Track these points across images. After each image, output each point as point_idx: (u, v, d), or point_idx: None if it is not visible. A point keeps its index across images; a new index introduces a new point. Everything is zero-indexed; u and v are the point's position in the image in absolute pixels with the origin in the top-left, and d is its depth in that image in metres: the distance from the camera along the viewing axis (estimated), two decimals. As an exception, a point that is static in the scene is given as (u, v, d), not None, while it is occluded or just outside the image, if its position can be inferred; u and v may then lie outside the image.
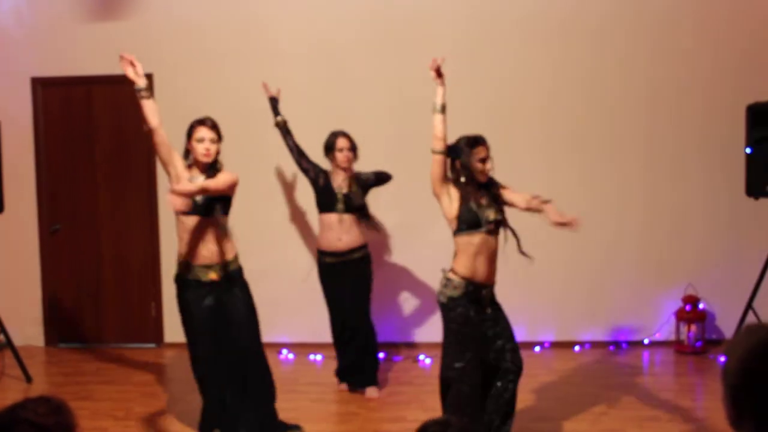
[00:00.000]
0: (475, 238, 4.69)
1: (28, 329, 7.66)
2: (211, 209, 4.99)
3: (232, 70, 7.43)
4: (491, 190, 4.81)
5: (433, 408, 5.60)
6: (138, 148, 7.51)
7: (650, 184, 7.32)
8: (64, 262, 7.76)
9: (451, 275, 4.72)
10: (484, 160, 4.73)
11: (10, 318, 6.97)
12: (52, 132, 7.69)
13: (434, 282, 7.24)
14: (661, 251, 7.34)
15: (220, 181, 4.94)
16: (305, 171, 6.20)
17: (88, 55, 7.51)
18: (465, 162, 4.72)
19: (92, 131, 7.66)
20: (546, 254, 7.29)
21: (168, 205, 4.95)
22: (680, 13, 7.22)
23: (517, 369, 4.87)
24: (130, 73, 5.01)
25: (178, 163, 5.04)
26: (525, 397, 6.02)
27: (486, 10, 7.30)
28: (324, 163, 6.24)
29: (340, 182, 6.14)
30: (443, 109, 4.78)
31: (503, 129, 7.24)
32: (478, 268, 4.69)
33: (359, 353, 6.25)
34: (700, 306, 7.16)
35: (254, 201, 7.03)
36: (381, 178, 6.31)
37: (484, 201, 4.73)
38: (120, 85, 7.52)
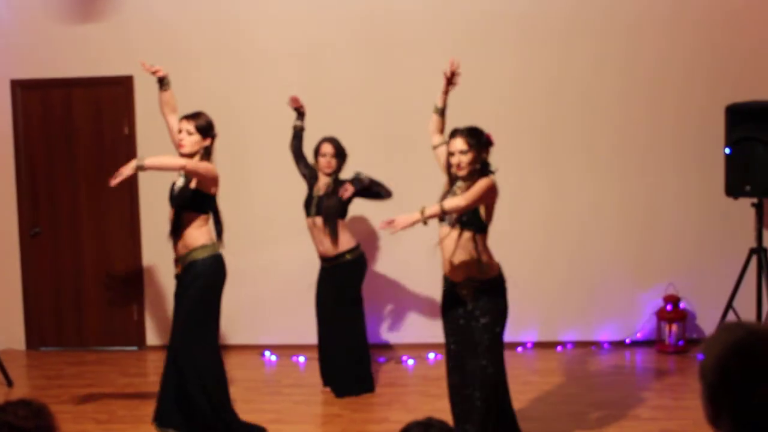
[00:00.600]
0: (442, 231, 4.68)
1: (9, 333, 7.61)
2: (181, 201, 5.12)
3: (212, 70, 7.41)
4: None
5: (415, 409, 5.62)
6: (119, 150, 7.47)
7: (630, 185, 7.35)
8: (45, 265, 7.72)
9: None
10: (453, 154, 4.61)
11: (-9, 322, 6.94)
12: (32, 134, 7.65)
13: (420, 283, 7.31)
14: (641, 251, 7.37)
15: (199, 165, 5.04)
16: (302, 176, 6.29)
17: (67, 56, 7.48)
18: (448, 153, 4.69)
19: (72, 133, 7.63)
20: (527, 255, 7.33)
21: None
22: (658, 13, 7.25)
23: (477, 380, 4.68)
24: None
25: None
26: (507, 397, 6.04)
27: (466, 12, 7.32)
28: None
29: (320, 186, 6.18)
30: (441, 112, 4.81)
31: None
32: (444, 261, 4.68)
33: (346, 360, 6.21)
34: (681, 305, 7.20)
35: (236, 201, 7.01)
36: (373, 187, 6.20)
37: (459, 193, 4.60)
38: (100, 86, 7.56)
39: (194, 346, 5.08)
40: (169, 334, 5.40)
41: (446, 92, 4.84)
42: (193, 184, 5.11)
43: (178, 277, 5.20)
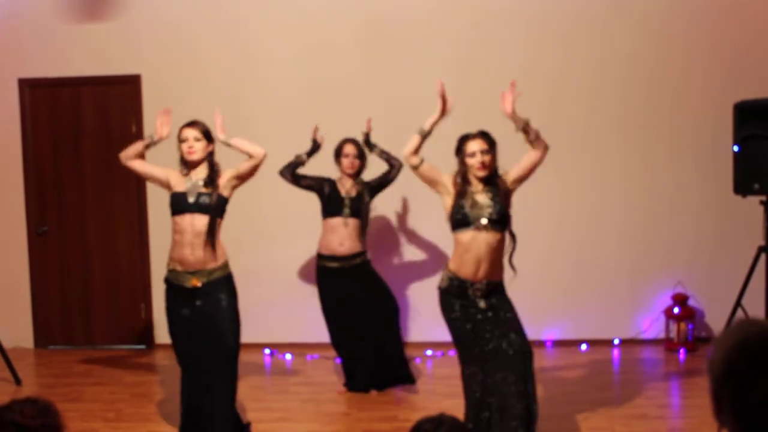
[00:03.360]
0: (465, 236, 4.62)
1: (18, 331, 7.63)
2: (218, 208, 4.94)
3: (218, 70, 7.43)
4: (497, 185, 4.72)
5: (423, 407, 5.62)
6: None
7: (637, 183, 7.34)
8: (52, 263, 7.74)
9: (445, 268, 4.75)
10: (474, 154, 4.63)
11: (-1, 320, 6.96)
12: (39, 133, 7.67)
13: (428, 280, 7.31)
14: (649, 249, 7.36)
15: (248, 144, 4.98)
16: (308, 188, 6.22)
17: (75, 55, 7.49)
18: (460, 159, 4.69)
19: (80, 132, 7.64)
20: (533, 255, 7.32)
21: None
22: (663, 11, 7.23)
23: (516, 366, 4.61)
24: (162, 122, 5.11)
25: (172, 175, 5.03)
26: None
27: (468, 13, 7.32)
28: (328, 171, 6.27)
29: (348, 188, 6.17)
30: (425, 136, 4.68)
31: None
32: (465, 264, 4.61)
33: (377, 354, 6.20)
34: (690, 304, 7.18)
35: (245, 201, 7.00)
36: (384, 177, 6.28)
37: (481, 198, 4.64)
38: (107, 85, 7.57)
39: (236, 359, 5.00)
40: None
41: (438, 119, 4.70)
42: (228, 192, 5.00)
43: (195, 290, 4.91)
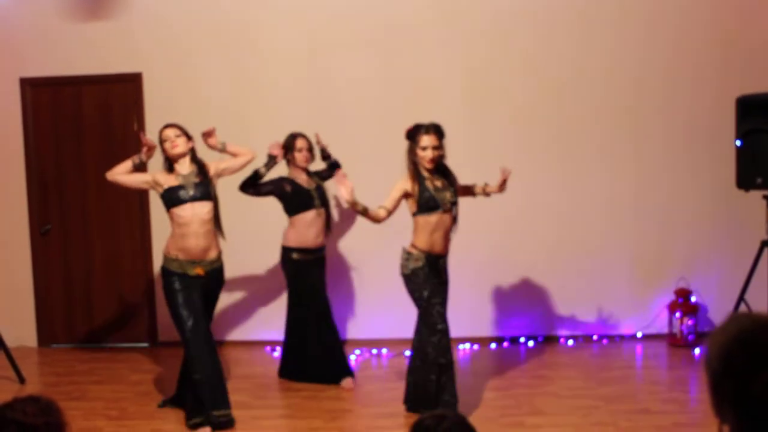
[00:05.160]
0: (432, 218, 5.26)
1: (21, 330, 7.64)
2: (209, 196, 5.48)
3: (219, 68, 7.42)
4: (448, 176, 5.38)
5: (426, 404, 5.60)
6: (128, 148, 7.46)
7: (640, 178, 7.33)
8: (55, 262, 7.74)
9: (411, 250, 5.31)
10: (425, 149, 5.21)
11: (2, 319, 6.96)
12: (41, 132, 7.67)
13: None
14: (653, 245, 7.35)
15: (239, 147, 5.69)
16: (269, 194, 6.27)
17: (76, 54, 7.49)
18: (412, 148, 5.28)
19: (82, 131, 7.65)
20: (540, 249, 7.32)
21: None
22: (669, 5, 7.22)
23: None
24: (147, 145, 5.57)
25: (158, 176, 5.51)
26: (518, 392, 6.04)
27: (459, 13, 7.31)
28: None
29: (306, 181, 6.27)
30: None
31: (483, 125, 7.27)
32: (435, 242, 5.29)
33: (329, 346, 6.36)
34: (693, 299, 7.18)
35: (248, 199, 7.00)
36: (328, 170, 6.50)
37: (439, 184, 5.31)
38: (109, 84, 7.57)
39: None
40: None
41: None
42: (215, 183, 5.61)
43: (198, 278, 5.47)
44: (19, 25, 7.53)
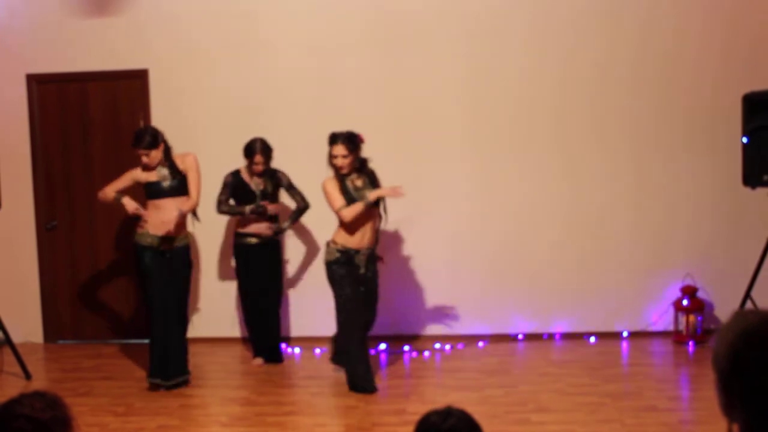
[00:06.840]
0: (360, 214, 5.76)
1: (27, 326, 7.66)
2: (179, 191, 6.24)
3: (226, 64, 7.42)
4: (371, 176, 5.96)
5: (432, 400, 5.62)
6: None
7: (646, 175, 7.31)
8: (61, 258, 7.76)
9: (331, 244, 5.92)
10: (335, 158, 5.80)
11: (9, 315, 6.97)
12: (48, 128, 7.69)
13: (438, 276, 7.32)
14: (658, 241, 7.34)
15: (194, 198, 6.28)
16: (224, 200, 6.77)
17: (83, 51, 7.50)
18: (329, 153, 5.85)
19: (88, 127, 7.65)
20: (543, 247, 7.32)
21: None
22: (676, 6, 7.19)
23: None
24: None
25: (136, 174, 6.28)
26: (524, 388, 6.04)
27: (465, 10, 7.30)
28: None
29: (258, 181, 6.72)
30: (368, 204, 5.79)
31: (481, 124, 7.26)
32: (354, 237, 5.85)
33: (273, 331, 6.95)
34: (699, 296, 7.17)
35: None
36: (294, 196, 6.90)
37: (359, 183, 5.89)
38: (115, 80, 7.57)
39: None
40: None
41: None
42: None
43: (164, 252, 6.20)
44: (26, 21, 7.54)
